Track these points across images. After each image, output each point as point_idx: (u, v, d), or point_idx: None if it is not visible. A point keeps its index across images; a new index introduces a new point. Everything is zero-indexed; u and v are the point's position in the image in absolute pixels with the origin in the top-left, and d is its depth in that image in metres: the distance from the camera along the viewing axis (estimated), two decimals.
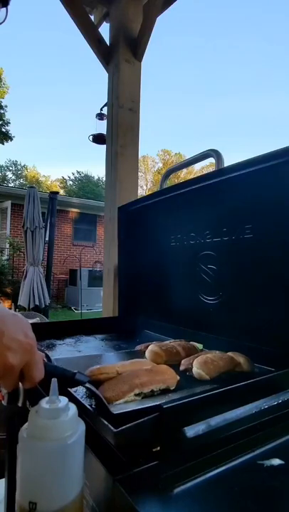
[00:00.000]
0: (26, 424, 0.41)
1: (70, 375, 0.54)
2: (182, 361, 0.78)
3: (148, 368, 0.67)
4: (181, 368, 0.76)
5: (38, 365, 0.48)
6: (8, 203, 10.19)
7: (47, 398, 0.42)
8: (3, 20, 0.86)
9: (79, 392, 0.64)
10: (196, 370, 0.72)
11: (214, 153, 1.17)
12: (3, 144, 15.70)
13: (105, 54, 2.25)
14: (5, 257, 9.32)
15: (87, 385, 0.56)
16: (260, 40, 41.21)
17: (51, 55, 46.59)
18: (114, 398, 0.57)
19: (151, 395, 0.61)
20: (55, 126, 47.59)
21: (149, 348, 0.84)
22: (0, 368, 0.44)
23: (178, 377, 0.66)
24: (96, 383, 0.60)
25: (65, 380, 0.54)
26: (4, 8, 0.84)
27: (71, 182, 28.91)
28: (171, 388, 0.64)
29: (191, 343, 0.92)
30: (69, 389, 0.57)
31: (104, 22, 2.49)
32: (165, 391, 0.63)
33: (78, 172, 28.45)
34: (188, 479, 0.42)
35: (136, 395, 0.59)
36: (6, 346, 0.44)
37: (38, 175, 30.20)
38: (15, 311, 5.33)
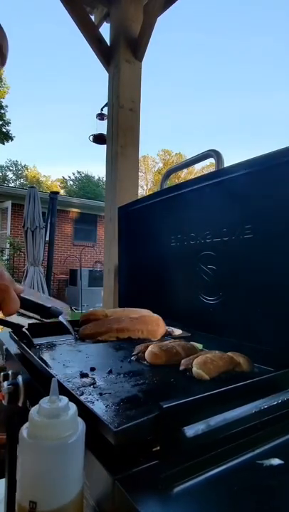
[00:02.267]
0: (26, 423, 0.41)
1: (47, 308, 0.61)
2: (182, 361, 0.78)
3: (134, 316, 0.67)
4: (181, 367, 0.76)
5: (13, 300, 0.58)
6: (8, 203, 10.20)
7: (47, 398, 0.42)
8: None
9: (79, 392, 0.64)
10: (196, 370, 0.72)
11: (214, 154, 1.18)
12: (3, 144, 15.71)
13: (106, 54, 2.25)
14: (5, 257, 9.32)
15: (60, 317, 0.60)
16: (262, 39, 41.22)
17: (51, 55, 46.61)
18: (89, 336, 0.59)
19: (131, 341, 0.62)
20: (55, 126, 47.64)
21: (149, 348, 0.84)
22: None
23: (165, 330, 0.66)
24: (86, 323, 0.62)
25: (42, 310, 0.62)
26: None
27: (71, 182, 28.94)
28: (153, 340, 0.64)
29: (190, 343, 0.92)
30: (69, 389, 0.57)
31: (105, 22, 2.49)
32: (146, 340, 0.63)
33: (79, 172, 28.49)
34: (188, 479, 0.42)
35: (111, 337, 0.60)
36: None
37: (38, 175, 30.22)
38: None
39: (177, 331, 0.74)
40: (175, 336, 0.72)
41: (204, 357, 0.74)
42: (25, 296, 0.63)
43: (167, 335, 0.69)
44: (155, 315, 0.70)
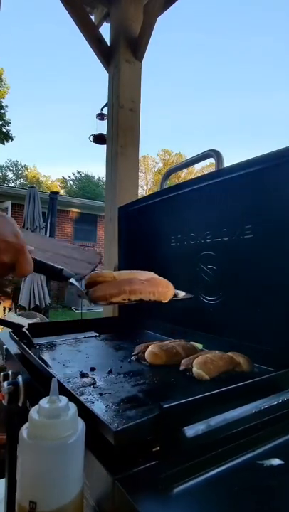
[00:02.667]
0: (26, 423, 0.41)
1: (58, 270, 0.59)
2: (182, 361, 0.78)
3: (144, 278, 0.67)
4: (181, 367, 0.76)
5: (28, 261, 0.56)
6: (8, 203, 10.19)
7: (47, 398, 0.42)
8: None
9: (79, 392, 0.64)
10: (196, 370, 0.72)
11: (214, 154, 1.18)
12: (3, 144, 15.72)
13: (106, 54, 2.25)
14: None
15: (72, 280, 0.59)
16: (262, 39, 41.22)
17: (51, 55, 46.61)
18: (101, 298, 0.58)
19: (141, 302, 0.61)
20: (55, 126, 47.65)
21: (149, 348, 0.84)
22: None
23: (173, 292, 0.66)
24: (93, 286, 0.62)
25: (54, 274, 0.60)
26: None
27: (71, 182, 28.94)
28: (163, 301, 0.63)
29: (190, 343, 0.92)
30: (69, 389, 0.57)
31: (105, 22, 2.49)
32: (157, 302, 0.62)
33: (79, 172, 28.50)
34: (188, 479, 0.42)
35: (123, 300, 0.59)
36: None
37: (38, 175, 30.22)
38: (15, 311, 5.34)
39: (181, 293, 0.75)
40: (179, 297, 0.72)
41: (204, 357, 0.74)
42: (36, 258, 0.62)
43: (174, 297, 0.69)
44: (162, 278, 0.70)
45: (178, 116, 44.81)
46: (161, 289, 0.64)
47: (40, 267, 0.58)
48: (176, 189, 1.09)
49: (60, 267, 0.61)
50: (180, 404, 0.47)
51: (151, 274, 0.72)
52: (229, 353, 0.78)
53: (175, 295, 0.68)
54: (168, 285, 0.66)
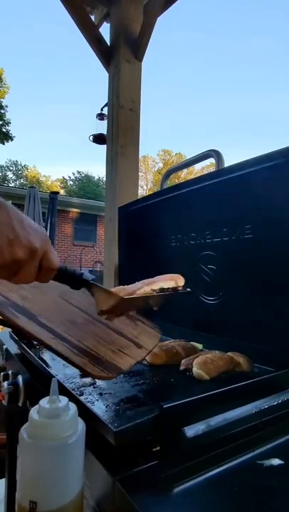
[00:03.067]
0: (26, 423, 0.41)
1: (79, 274, 0.59)
2: (182, 361, 0.78)
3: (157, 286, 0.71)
4: (181, 367, 0.76)
5: (55, 252, 0.51)
6: (8, 203, 10.19)
7: (47, 398, 0.42)
8: None
9: (79, 392, 0.64)
10: (196, 370, 0.72)
11: (214, 154, 1.18)
12: (3, 144, 15.72)
13: (106, 54, 2.25)
14: None
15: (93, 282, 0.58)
16: (262, 39, 41.24)
17: (52, 55, 46.61)
18: (127, 295, 0.58)
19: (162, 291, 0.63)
20: (55, 126, 47.65)
21: None
22: (26, 250, 0.46)
23: (183, 280, 0.69)
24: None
25: (74, 278, 0.59)
26: None
27: (71, 182, 28.94)
28: (180, 285, 0.66)
29: (190, 343, 0.92)
30: (69, 389, 0.57)
31: (105, 22, 2.49)
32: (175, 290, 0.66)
33: (79, 172, 28.49)
34: (188, 479, 0.42)
35: (146, 292, 0.61)
36: (27, 231, 0.46)
37: (38, 175, 30.20)
38: None
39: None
40: (185, 290, 0.75)
41: (204, 357, 0.74)
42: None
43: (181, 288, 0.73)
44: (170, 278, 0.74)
45: (178, 116, 44.82)
46: (175, 277, 0.66)
47: (61, 267, 0.55)
48: (176, 189, 1.09)
49: (79, 270, 0.59)
50: (180, 404, 0.47)
51: (161, 277, 0.75)
52: (229, 353, 0.78)
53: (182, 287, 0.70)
54: (178, 275, 0.69)
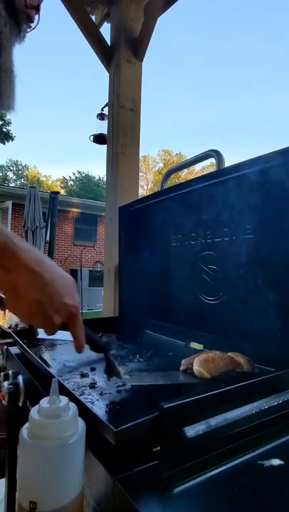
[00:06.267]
0: (26, 423, 0.41)
1: (103, 344, 0.75)
2: (182, 361, 0.78)
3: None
4: (182, 367, 0.76)
5: (79, 323, 0.59)
6: (9, 203, 10.20)
7: (47, 398, 0.42)
8: (36, 25, 0.90)
9: (79, 392, 0.64)
10: (197, 368, 0.72)
11: (215, 154, 1.18)
12: (4, 144, 15.71)
13: (106, 54, 2.25)
14: None
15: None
16: (262, 39, 41.20)
17: (52, 55, 46.61)
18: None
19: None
20: (55, 126, 47.64)
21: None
22: (46, 324, 0.53)
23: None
24: None
25: (98, 345, 0.76)
26: (36, 15, 0.88)
27: (72, 182, 28.96)
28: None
29: (191, 343, 0.92)
30: (69, 389, 0.57)
31: (106, 22, 2.49)
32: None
33: (79, 172, 28.52)
34: (189, 479, 0.42)
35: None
36: (55, 310, 0.52)
37: (38, 175, 30.21)
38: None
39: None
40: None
41: (205, 356, 0.74)
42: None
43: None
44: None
45: (178, 116, 44.81)
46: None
47: (88, 334, 0.64)
48: (176, 189, 1.09)
49: (103, 339, 0.69)
50: (180, 404, 0.47)
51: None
52: (230, 354, 0.78)
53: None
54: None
